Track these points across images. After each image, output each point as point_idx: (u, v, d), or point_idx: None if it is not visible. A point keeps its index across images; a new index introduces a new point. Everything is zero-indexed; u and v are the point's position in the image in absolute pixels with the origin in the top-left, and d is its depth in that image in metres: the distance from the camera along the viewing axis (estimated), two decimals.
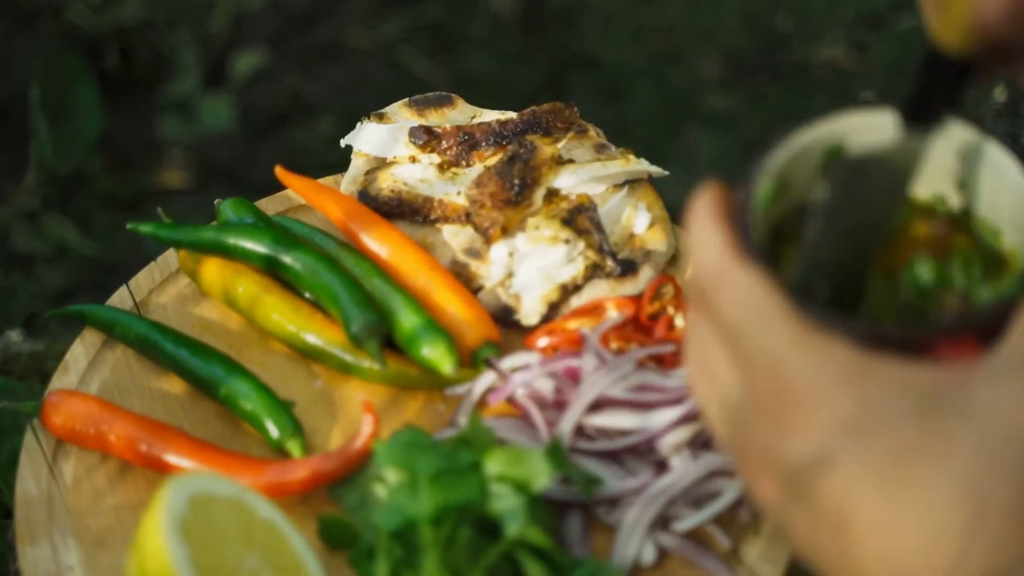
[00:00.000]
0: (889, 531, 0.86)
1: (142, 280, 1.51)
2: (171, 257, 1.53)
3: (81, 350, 1.46)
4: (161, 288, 1.51)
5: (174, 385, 1.43)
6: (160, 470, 1.34)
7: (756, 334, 0.90)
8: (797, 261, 0.98)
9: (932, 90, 0.97)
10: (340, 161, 1.61)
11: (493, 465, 1.25)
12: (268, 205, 1.58)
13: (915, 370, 0.88)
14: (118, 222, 2.60)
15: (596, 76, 2.95)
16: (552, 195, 1.50)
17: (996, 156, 0.99)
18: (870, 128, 1.00)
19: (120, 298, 1.50)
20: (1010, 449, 0.85)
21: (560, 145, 1.53)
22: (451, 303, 1.44)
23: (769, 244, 0.98)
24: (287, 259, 1.45)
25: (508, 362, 1.39)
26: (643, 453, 1.33)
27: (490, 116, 1.59)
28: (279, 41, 2.93)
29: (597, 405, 1.34)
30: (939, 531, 0.85)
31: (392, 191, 1.52)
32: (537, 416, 1.35)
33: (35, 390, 1.80)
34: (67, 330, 2.16)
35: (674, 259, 1.51)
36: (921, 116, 0.98)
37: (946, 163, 1.00)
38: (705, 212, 0.95)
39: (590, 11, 3.05)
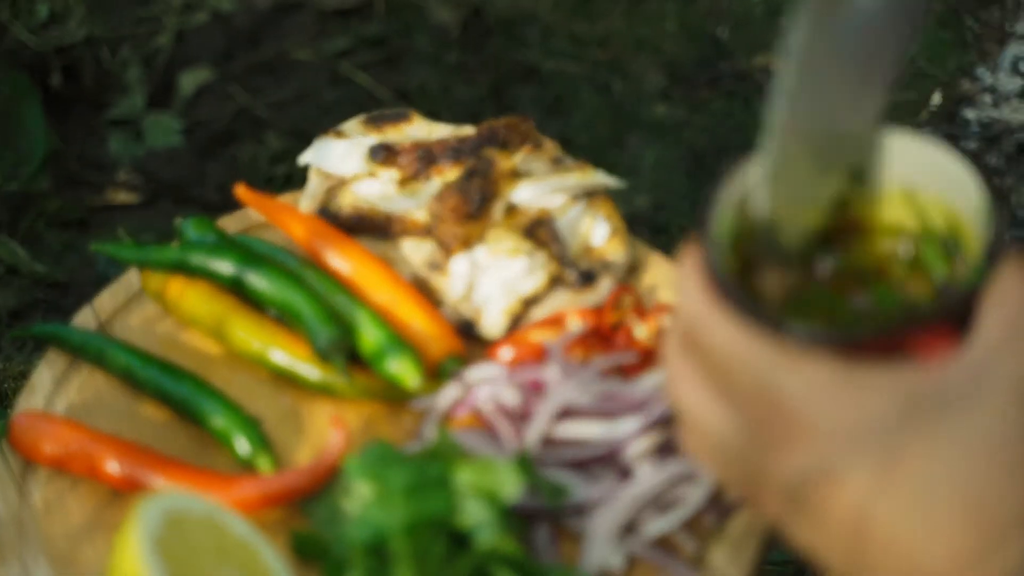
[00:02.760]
0: (905, 533, 0.89)
1: (106, 301, 1.52)
2: (133, 277, 1.53)
3: (47, 371, 1.46)
4: (125, 308, 1.52)
5: (141, 404, 1.44)
6: (132, 489, 1.34)
7: (741, 363, 0.92)
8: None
9: None
10: (287, 176, 1.62)
11: (462, 477, 1.26)
12: (228, 223, 1.59)
13: (897, 372, 0.90)
14: (67, 241, 2.60)
15: (539, 88, 2.97)
16: (511, 208, 1.52)
17: (937, 155, 1.00)
18: None
19: (84, 319, 1.50)
20: (1007, 443, 0.88)
21: (517, 159, 1.54)
22: (415, 317, 1.45)
23: (740, 271, 0.99)
24: (252, 277, 1.46)
25: (472, 374, 1.41)
26: (609, 461, 1.35)
27: (446, 131, 1.61)
28: (223, 58, 2.93)
29: (563, 415, 1.36)
30: (942, 525, 0.88)
31: (353, 208, 1.53)
32: (503, 427, 1.37)
33: None
34: (21, 351, 2.16)
35: (632, 269, 1.53)
36: None
37: (889, 168, 1.02)
38: (686, 267, 0.98)
39: (531, 24, 3.07)
